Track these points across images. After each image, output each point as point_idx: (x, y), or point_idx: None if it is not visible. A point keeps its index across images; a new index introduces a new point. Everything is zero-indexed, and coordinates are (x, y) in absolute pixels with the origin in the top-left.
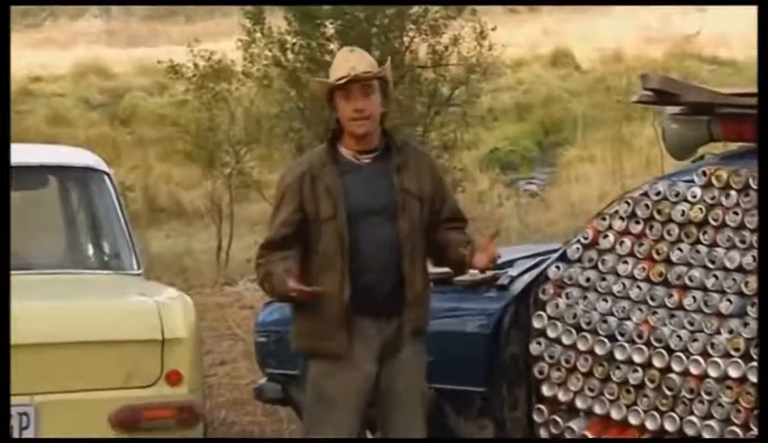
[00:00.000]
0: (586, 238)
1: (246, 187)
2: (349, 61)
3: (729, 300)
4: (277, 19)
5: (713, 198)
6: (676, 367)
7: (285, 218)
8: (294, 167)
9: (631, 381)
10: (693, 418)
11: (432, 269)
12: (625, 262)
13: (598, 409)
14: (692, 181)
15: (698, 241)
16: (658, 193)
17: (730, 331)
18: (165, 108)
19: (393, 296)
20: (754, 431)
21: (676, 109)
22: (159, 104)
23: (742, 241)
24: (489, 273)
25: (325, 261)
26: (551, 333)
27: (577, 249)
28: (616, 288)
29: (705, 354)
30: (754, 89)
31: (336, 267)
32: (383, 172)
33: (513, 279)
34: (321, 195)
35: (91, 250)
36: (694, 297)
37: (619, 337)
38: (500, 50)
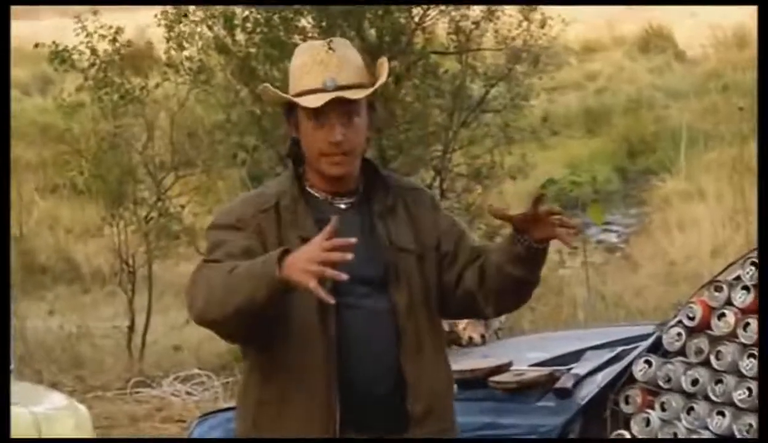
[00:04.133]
0: (692, 318)
1: (172, 236)
2: (327, 67)
3: None
4: None
5: None
6: None
7: (240, 244)
8: (249, 200)
9: None
10: None
11: (455, 365)
12: (753, 356)
13: None
14: None
15: None
16: None
17: None
18: (48, 114)
19: (392, 406)
20: None
21: None
22: (39, 108)
23: None
24: (544, 370)
25: (298, 345)
26: None
27: (679, 335)
28: (738, 396)
29: None
30: None
31: (316, 354)
32: (365, 222)
33: (580, 379)
34: (292, 247)
35: None
36: None
37: None
38: (560, 28)
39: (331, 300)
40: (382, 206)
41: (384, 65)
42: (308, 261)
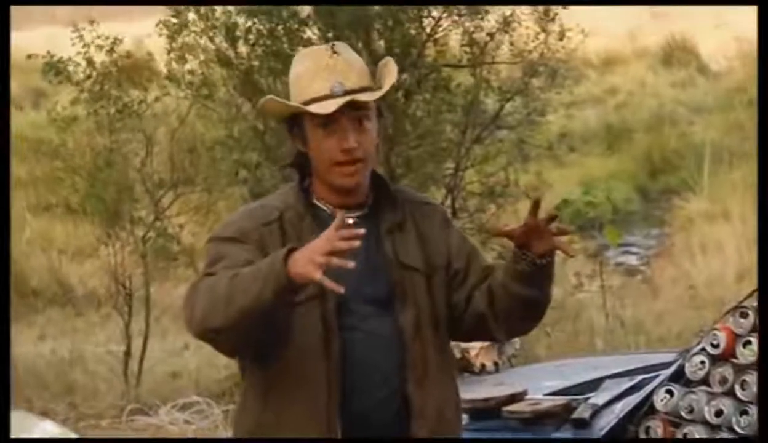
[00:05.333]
0: (716, 346)
1: (170, 257)
2: (333, 71)
3: None
4: None
5: None
6: None
7: (243, 258)
8: (251, 213)
9: None
10: None
11: (468, 394)
12: None
13: None
14: None
15: None
16: None
17: None
18: (41, 129)
19: (397, 431)
20: None
21: None
22: (32, 123)
23: None
24: (560, 400)
25: (298, 366)
26: None
27: (702, 363)
28: None
29: None
30: None
31: (318, 377)
32: (372, 238)
33: (598, 409)
34: None
35: None
36: None
37: None
38: (579, 40)
39: (341, 290)
40: (391, 222)
41: (389, 65)
42: (314, 253)
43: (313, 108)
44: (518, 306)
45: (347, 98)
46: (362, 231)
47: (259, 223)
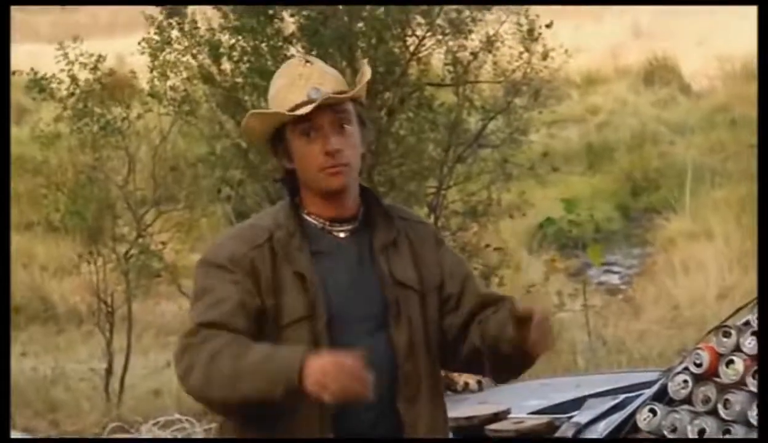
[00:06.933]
0: (699, 365)
1: (152, 274)
2: (309, 79)
3: None
4: (206, 7)
5: None
6: None
7: (233, 298)
8: (241, 236)
9: None
10: None
11: (451, 412)
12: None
13: None
14: None
15: None
16: None
17: None
18: (23, 146)
19: None
20: None
21: None
22: (14, 139)
23: None
24: (543, 418)
25: None
26: None
27: (685, 382)
28: None
29: None
30: None
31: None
32: (365, 254)
33: (581, 428)
34: (287, 283)
35: None
36: None
37: None
38: (562, 59)
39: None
40: (385, 239)
41: (363, 68)
42: (330, 380)
43: (291, 113)
44: (508, 359)
45: (323, 100)
46: (370, 377)
47: (250, 247)
